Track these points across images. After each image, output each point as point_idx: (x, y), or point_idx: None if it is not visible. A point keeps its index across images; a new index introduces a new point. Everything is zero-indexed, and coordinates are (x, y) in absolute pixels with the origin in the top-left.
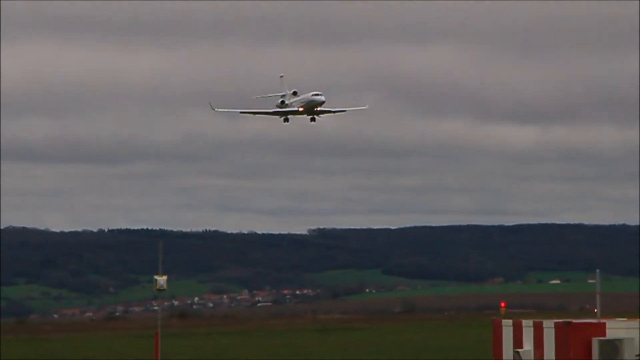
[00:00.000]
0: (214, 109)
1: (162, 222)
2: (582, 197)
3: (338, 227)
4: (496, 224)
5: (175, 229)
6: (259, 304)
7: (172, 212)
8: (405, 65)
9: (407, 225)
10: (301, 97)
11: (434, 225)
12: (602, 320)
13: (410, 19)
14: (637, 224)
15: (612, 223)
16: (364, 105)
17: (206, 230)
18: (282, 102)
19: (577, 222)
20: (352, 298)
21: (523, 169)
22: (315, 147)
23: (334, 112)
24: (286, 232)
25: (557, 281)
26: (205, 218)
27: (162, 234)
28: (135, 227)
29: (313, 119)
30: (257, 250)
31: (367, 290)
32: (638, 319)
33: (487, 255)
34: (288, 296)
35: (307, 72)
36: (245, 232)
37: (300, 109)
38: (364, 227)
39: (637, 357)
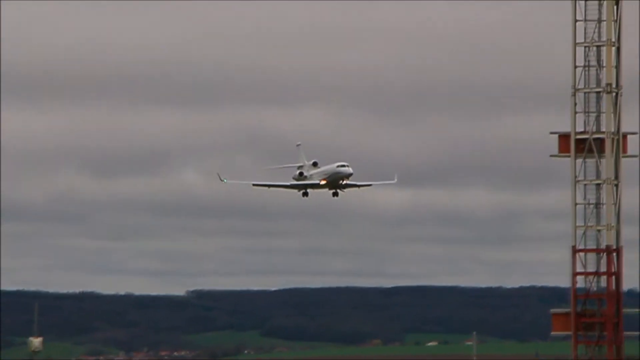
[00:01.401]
0: (222, 180)
1: (37, 283)
2: (458, 259)
3: (216, 288)
4: (374, 285)
5: (50, 290)
6: None
7: (47, 273)
8: (278, 127)
9: (286, 286)
10: (323, 168)
11: (312, 287)
12: None
13: (282, 81)
14: (513, 286)
15: (489, 285)
16: (393, 180)
17: (82, 291)
18: (301, 173)
19: (453, 284)
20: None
21: (399, 231)
22: (188, 208)
23: (360, 186)
24: (164, 294)
25: (435, 343)
26: (80, 279)
27: (37, 295)
28: (10, 289)
29: (336, 194)
30: (134, 311)
31: (246, 352)
32: None
33: (365, 317)
34: (166, 358)
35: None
36: (122, 293)
37: (322, 182)
38: (242, 288)
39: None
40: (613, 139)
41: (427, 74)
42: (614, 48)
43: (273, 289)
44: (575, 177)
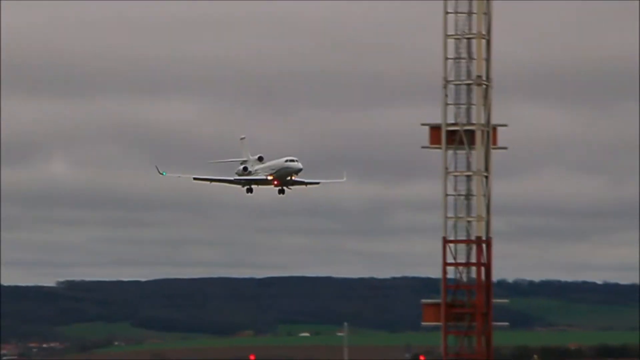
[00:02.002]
0: (161, 173)
1: None
2: (330, 250)
3: (87, 279)
4: (247, 276)
5: None
6: (4, 357)
7: None
8: (146, 117)
9: (158, 277)
10: (270, 163)
11: (184, 277)
12: None
13: (150, 71)
14: (385, 277)
15: (361, 276)
16: (342, 178)
17: None
18: (245, 168)
19: (325, 275)
20: (101, 351)
21: (271, 222)
22: (58, 198)
23: (307, 183)
24: (33, 284)
25: (307, 334)
26: None
27: None
28: None
29: (282, 191)
30: (3, 302)
31: (117, 343)
32: None
33: (238, 307)
34: (35, 349)
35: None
36: None
37: (269, 178)
38: (113, 279)
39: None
40: (483, 131)
41: (298, 65)
42: (484, 41)
43: (144, 279)
44: (446, 168)
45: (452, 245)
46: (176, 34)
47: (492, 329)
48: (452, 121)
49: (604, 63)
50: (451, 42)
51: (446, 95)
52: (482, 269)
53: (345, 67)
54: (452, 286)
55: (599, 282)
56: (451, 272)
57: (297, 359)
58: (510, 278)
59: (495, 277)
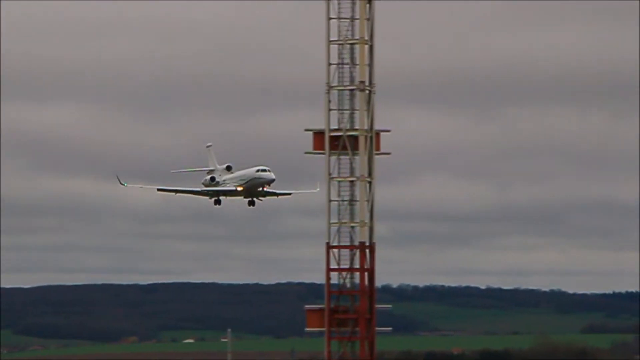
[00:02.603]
0: (122, 184)
1: None
2: (215, 256)
3: None
4: (130, 282)
5: None
6: None
7: None
8: (27, 121)
9: (40, 284)
10: (239, 173)
11: (67, 284)
12: None
13: (29, 76)
14: (270, 283)
15: (246, 282)
16: (315, 189)
17: None
18: (212, 178)
19: (210, 281)
20: None
21: (154, 227)
22: None
23: (279, 194)
24: None
25: (191, 340)
26: None
27: None
28: None
29: (252, 203)
30: None
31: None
32: None
33: (121, 314)
34: None
35: None
36: None
37: (239, 189)
38: None
39: None
40: (366, 137)
41: (178, 70)
42: (367, 46)
43: (27, 286)
44: (330, 174)
45: (335, 250)
46: (57, 36)
47: (375, 334)
48: (336, 127)
49: (487, 68)
50: (334, 47)
51: (329, 101)
52: (366, 274)
53: (229, 73)
54: (336, 292)
55: (482, 287)
56: (335, 278)
57: None
58: (394, 283)
59: (380, 282)
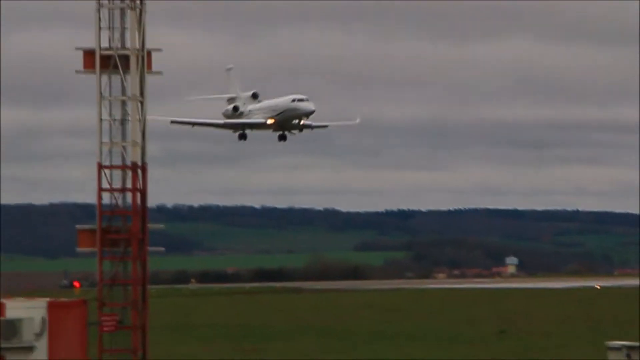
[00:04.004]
0: None
1: None
2: None
3: None
4: None
5: None
6: None
7: None
8: None
9: None
10: (270, 102)
11: None
12: (2, 301)
13: None
14: (43, 203)
15: (18, 203)
16: (356, 120)
17: None
18: (235, 108)
19: None
20: None
21: None
22: None
23: (314, 127)
24: None
25: None
26: None
27: None
28: None
29: (283, 137)
30: None
31: None
32: (40, 299)
33: None
34: None
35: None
36: None
37: (270, 122)
38: None
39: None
40: (138, 56)
41: None
42: None
43: None
44: (101, 93)
45: (107, 171)
46: None
47: (148, 254)
48: (106, 45)
49: None
50: None
51: (99, 19)
52: (138, 194)
53: None
54: (108, 212)
55: (257, 206)
56: (107, 198)
57: None
58: (169, 203)
59: (154, 202)
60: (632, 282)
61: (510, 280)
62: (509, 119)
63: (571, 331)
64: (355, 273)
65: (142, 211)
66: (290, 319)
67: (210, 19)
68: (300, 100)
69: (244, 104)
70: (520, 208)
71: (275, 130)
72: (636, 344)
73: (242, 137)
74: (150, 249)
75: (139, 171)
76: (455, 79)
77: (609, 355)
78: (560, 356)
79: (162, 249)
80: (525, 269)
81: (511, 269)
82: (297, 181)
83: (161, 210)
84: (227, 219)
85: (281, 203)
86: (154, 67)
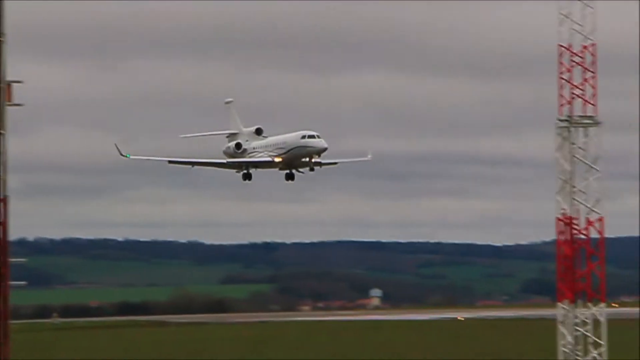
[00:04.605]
0: (124, 156)
1: None
2: None
3: None
4: None
5: None
6: None
7: None
8: None
9: None
10: (276, 139)
11: None
12: None
13: None
14: None
15: None
16: (367, 156)
17: None
18: (238, 145)
19: None
20: None
21: None
22: None
23: (323, 164)
24: None
25: None
26: None
27: None
28: None
29: (291, 176)
30: None
31: None
32: None
33: None
34: None
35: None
36: None
37: (277, 160)
38: None
39: None
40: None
41: None
42: None
43: None
44: None
45: None
46: None
47: (10, 288)
48: None
49: (120, 24)
50: None
51: None
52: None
53: None
54: None
55: (120, 239)
56: None
57: None
58: (30, 236)
59: (16, 236)
60: (495, 313)
61: (374, 312)
62: (372, 151)
63: None
64: (220, 306)
65: (3, 244)
66: (155, 352)
67: (73, 51)
68: (310, 137)
69: (247, 140)
70: (383, 240)
71: (282, 168)
72: None
73: (247, 177)
74: (12, 283)
75: (0, 204)
76: (314, 110)
77: None
78: None
79: (24, 282)
80: (389, 300)
81: (375, 301)
82: (160, 213)
83: (23, 243)
84: (89, 252)
85: (144, 236)
86: (16, 99)
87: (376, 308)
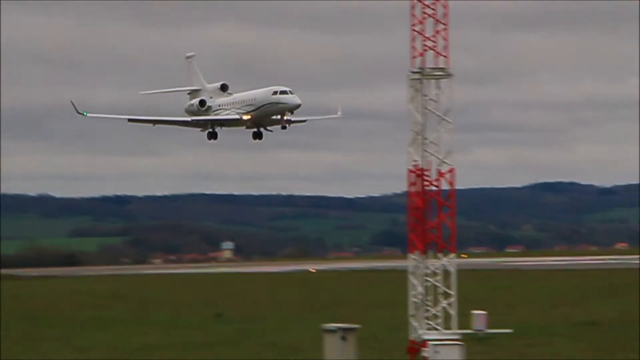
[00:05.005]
0: (81, 114)
1: None
2: None
3: None
4: None
5: None
6: None
7: None
8: None
9: None
10: (244, 95)
11: None
12: None
13: None
14: None
15: None
16: (337, 113)
17: None
18: (202, 103)
19: None
20: None
21: None
22: None
23: (292, 122)
24: None
25: None
26: None
27: None
28: None
29: (259, 135)
30: None
31: None
32: None
33: None
34: None
35: None
36: None
37: (245, 117)
38: None
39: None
40: None
41: None
42: None
43: None
44: None
45: None
46: None
47: None
48: None
49: None
50: None
51: None
52: None
53: None
54: None
55: None
56: None
57: None
58: None
59: None
60: (346, 264)
61: (226, 264)
62: None
63: (288, 314)
64: (71, 259)
65: None
66: (5, 306)
67: None
68: (283, 92)
69: (211, 97)
70: (236, 193)
71: (249, 127)
72: (351, 325)
73: (212, 135)
74: None
75: None
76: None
77: (325, 338)
78: (276, 339)
79: None
80: (242, 253)
81: (227, 254)
82: (9, 166)
83: None
84: None
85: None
86: None
87: (228, 260)
